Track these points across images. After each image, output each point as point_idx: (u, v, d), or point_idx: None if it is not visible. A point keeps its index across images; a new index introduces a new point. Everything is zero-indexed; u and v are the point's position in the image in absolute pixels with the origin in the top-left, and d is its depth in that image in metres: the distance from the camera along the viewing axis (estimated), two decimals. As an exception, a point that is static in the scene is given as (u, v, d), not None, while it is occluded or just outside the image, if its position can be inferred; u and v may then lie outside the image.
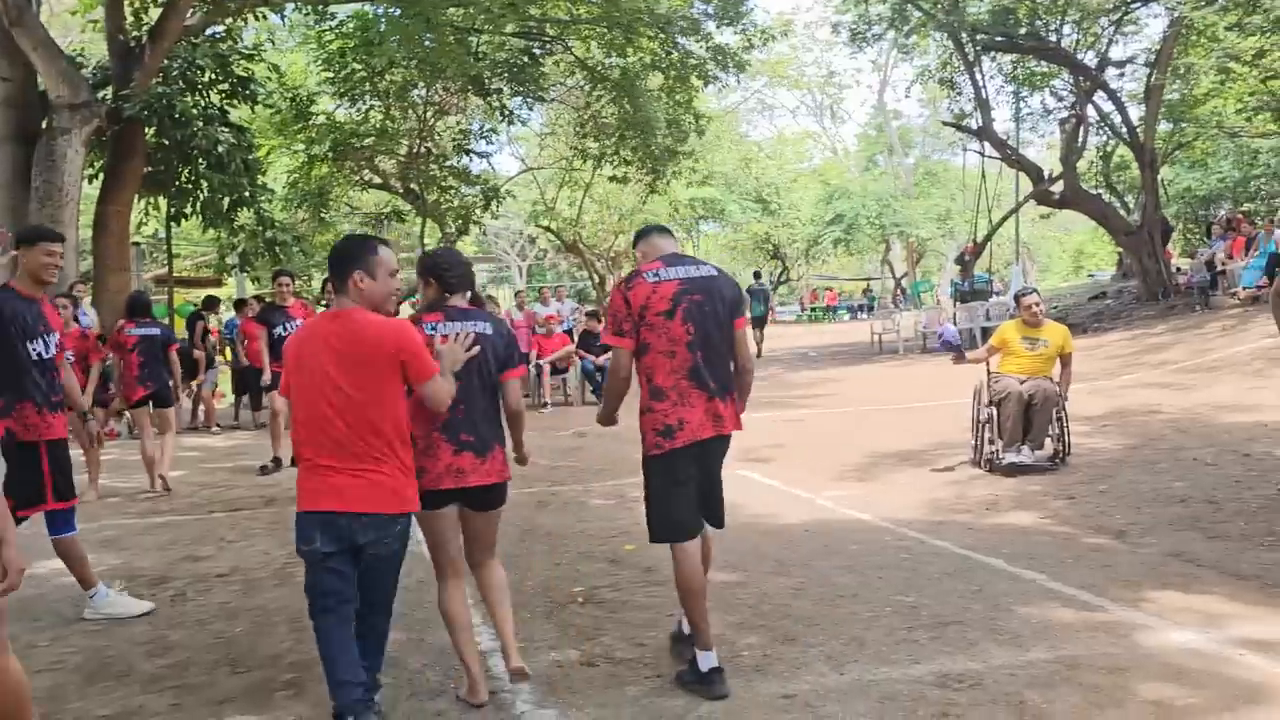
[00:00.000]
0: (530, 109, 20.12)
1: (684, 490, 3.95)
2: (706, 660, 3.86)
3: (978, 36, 19.67)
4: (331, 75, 16.51)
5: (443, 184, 18.52)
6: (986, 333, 15.43)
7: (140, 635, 4.78)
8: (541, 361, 14.15)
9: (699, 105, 21.75)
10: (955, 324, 20.24)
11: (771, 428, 11.07)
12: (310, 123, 16.99)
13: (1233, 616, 4.48)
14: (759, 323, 22.17)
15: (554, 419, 13.03)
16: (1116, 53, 21.67)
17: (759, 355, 20.55)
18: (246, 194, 13.71)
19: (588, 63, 17.78)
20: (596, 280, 30.47)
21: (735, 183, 39.87)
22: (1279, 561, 5.27)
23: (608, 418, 4.34)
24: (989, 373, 8.26)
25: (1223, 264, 18.56)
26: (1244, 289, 17.03)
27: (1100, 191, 23.65)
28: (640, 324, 3.94)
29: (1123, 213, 22.60)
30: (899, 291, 40.75)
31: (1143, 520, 6.28)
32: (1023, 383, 7.93)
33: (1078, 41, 20.70)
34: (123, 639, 4.73)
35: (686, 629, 4.08)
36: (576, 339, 15.13)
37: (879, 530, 6.37)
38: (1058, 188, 20.64)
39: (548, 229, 29.37)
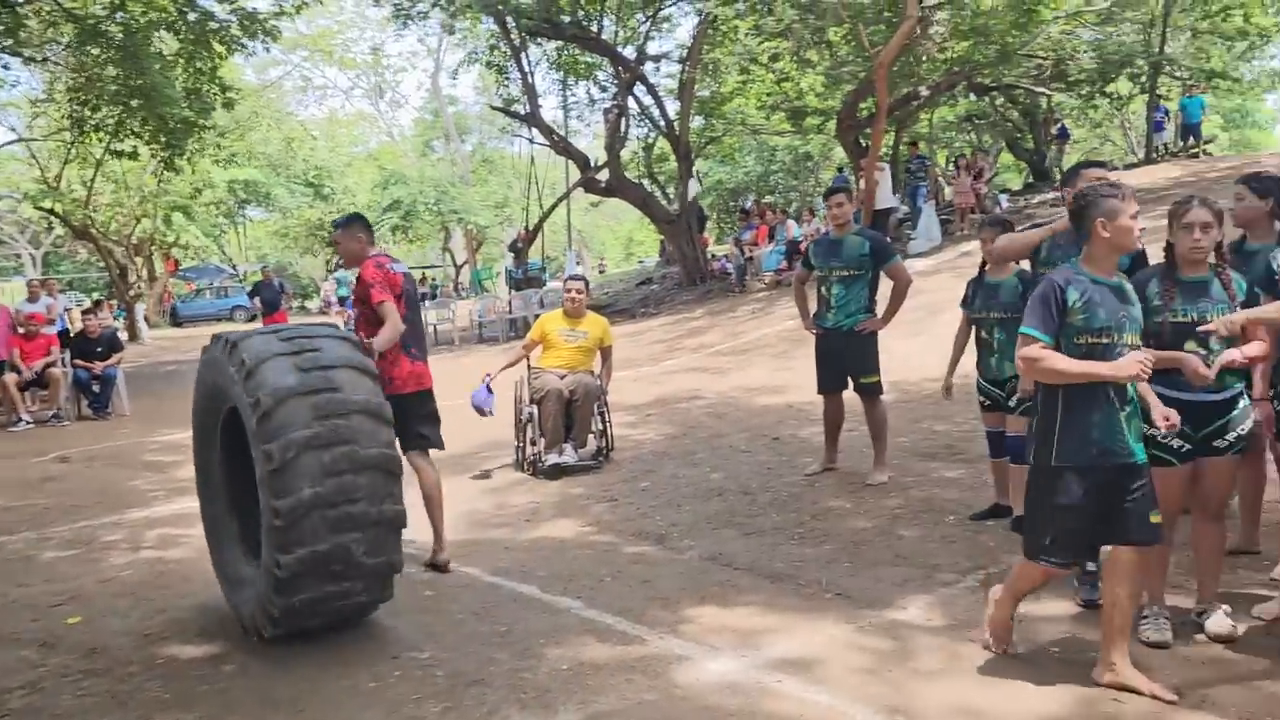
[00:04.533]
0: (6, 68, 16.78)
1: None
2: None
3: (522, 21, 19.44)
4: None
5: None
6: (539, 321, 15.19)
7: None
8: (23, 369, 11.65)
9: (227, 75, 19.53)
10: (510, 311, 20.02)
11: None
12: None
13: (769, 632, 4.14)
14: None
15: (31, 439, 10.70)
16: (653, 48, 22.62)
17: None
18: None
19: (75, 14, 15.05)
20: (117, 271, 26.68)
21: (282, 165, 37.17)
22: (809, 557, 5.10)
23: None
24: (529, 368, 7.70)
25: (749, 251, 19.92)
26: (767, 273, 18.35)
27: (643, 181, 24.59)
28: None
29: (664, 202, 23.64)
30: (456, 281, 40.41)
31: (683, 520, 5.97)
32: (563, 378, 7.44)
33: (617, 34, 21.22)
34: None
35: None
36: (71, 341, 12.72)
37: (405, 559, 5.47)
38: (604, 176, 21.05)
39: (51, 212, 25.22)
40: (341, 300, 28.56)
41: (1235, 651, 3.64)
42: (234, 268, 39.60)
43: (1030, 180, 23.54)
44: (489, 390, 7.47)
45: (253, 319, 29.62)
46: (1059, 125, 24.55)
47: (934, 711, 3.34)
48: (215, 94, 17.80)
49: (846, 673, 3.69)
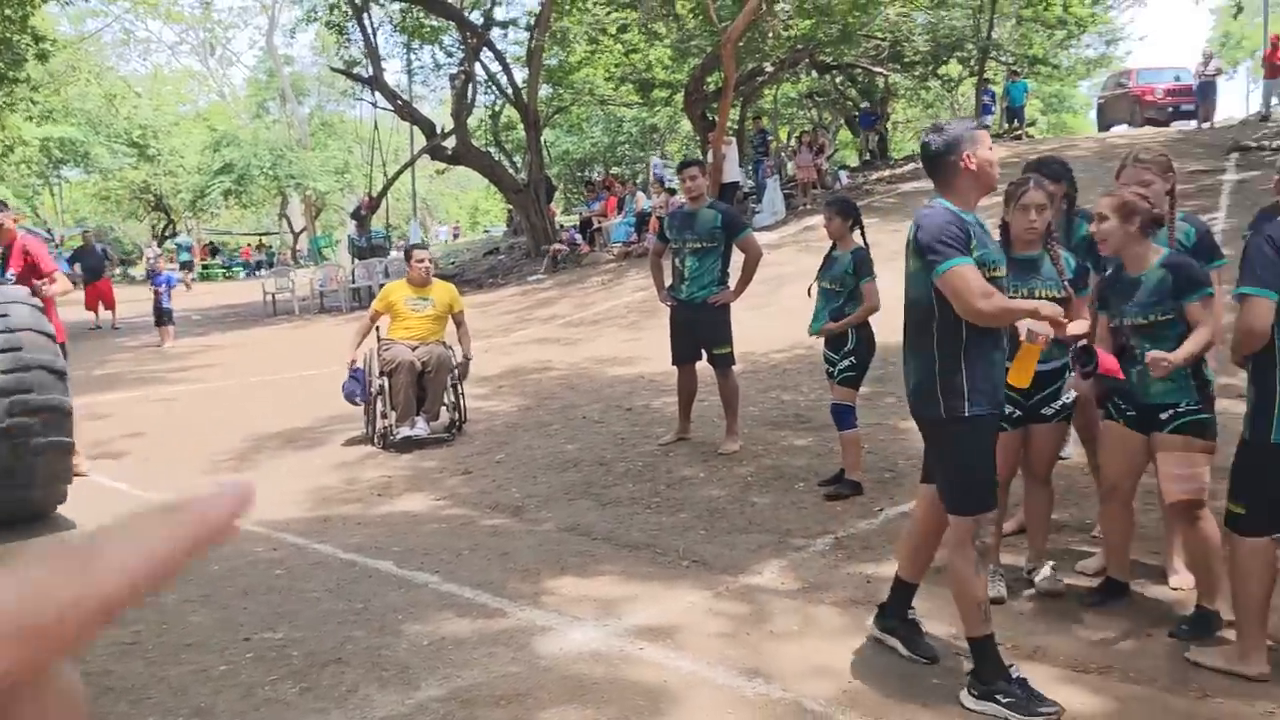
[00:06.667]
0: None
1: None
2: None
3: (364, -21, 18.83)
4: None
5: None
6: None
7: None
8: None
9: (40, 25, 18.20)
10: (354, 280, 19.48)
11: (134, 412, 9.34)
12: None
13: (629, 600, 4.19)
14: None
15: None
16: (500, 13, 22.25)
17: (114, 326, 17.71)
18: None
19: None
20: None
21: (102, 123, 34.95)
22: (665, 526, 5.19)
23: None
24: (379, 340, 7.52)
25: (598, 222, 19.96)
26: (616, 245, 18.44)
27: (490, 149, 24.26)
28: None
29: (511, 171, 23.40)
30: (294, 249, 39.04)
31: (539, 491, 5.97)
32: (414, 349, 7.30)
33: (464, -2, 20.81)
34: None
35: None
36: None
37: (252, 539, 5.28)
38: (450, 143, 20.66)
39: None
40: (185, 265, 28.28)
41: (1063, 604, 3.91)
42: (49, 232, 37.05)
43: (867, 157, 24.39)
44: (355, 378, 7.31)
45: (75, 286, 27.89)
46: (861, 111, 25.41)
47: (792, 672, 3.46)
48: (27, 44, 16.55)
49: (706, 638, 3.78)
